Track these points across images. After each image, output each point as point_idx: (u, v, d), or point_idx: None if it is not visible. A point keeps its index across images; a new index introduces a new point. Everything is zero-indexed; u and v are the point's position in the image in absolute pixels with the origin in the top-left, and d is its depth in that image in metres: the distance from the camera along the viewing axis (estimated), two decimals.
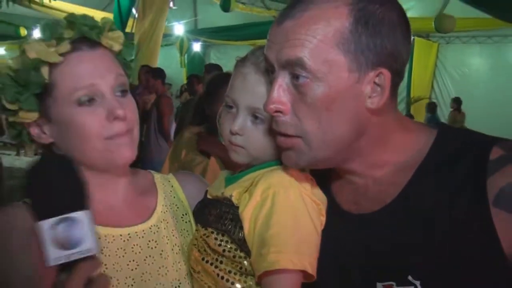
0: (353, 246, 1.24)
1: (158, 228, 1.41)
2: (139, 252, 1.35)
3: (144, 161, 6.39)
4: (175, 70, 15.67)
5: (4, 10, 11.48)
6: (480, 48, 13.81)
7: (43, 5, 10.74)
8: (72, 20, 1.31)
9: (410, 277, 1.12)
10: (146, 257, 1.35)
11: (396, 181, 1.20)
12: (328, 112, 1.12)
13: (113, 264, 1.31)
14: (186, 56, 16.30)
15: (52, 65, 1.27)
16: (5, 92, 1.28)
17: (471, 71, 13.97)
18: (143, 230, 1.38)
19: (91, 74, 1.28)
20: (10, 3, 9.73)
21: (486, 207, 1.08)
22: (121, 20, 9.88)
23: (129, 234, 1.36)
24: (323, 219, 1.28)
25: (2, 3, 9.87)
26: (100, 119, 1.28)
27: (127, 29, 9.98)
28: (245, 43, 13.25)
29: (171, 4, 11.20)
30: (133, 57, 1.41)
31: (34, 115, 1.30)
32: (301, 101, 1.13)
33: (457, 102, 12.66)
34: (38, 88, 1.27)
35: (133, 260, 1.33)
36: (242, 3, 13.24)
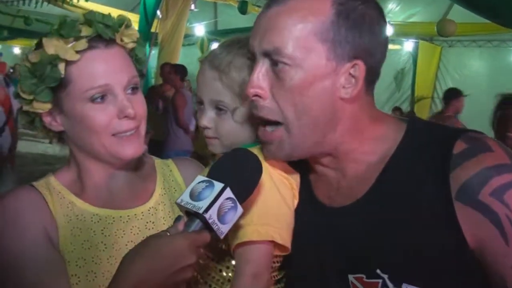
0: (327, 237, 1.21)
1: (156, 210, 1.40)
2: (137, 233, 1.34)
3: (164, 151, 6.41)
4: (196, 68, 15.55)
5: (41, 10, 11.57)
6: (480, 51, 13.57)
7: (74, 6, 10.76)
8: (89, 18, 1.29)
9: (378, 271, 1.10)
10: (144, 237, 1.32)
11: (366, 177, 1.17)
12: (304, 97, 1.11)
13: (113, 244, 1.31)
14: None
15: (68, 62, 1.25)
16: (22, 83, 1.27)
17: (471, 73, 13.72)
18: (142, 212, 1.38)
19: (106, 74, 1.26)
20: (45, 4, 9.77)
21: (450, 201, 1.04)
22: (147, 20, 9.86)
23: (128, 216, 1.36)
24: (296, 193, 1.27)
25: (38, 3, 9.94)
26: (110, 116, 1.26)
27: (152, 29, 9.98)
28: None
29: (192, 7, 11.18)
30: (146, 54, 1.39)
31: (47, 106, 1.30)
32: (279, 86, 1.12)
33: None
34: (54, 82, 1.25)
35: (131, 241, 1.32)
36: (258, 6, 13.16)
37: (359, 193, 1.17)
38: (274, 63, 1.11)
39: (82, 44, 1.25)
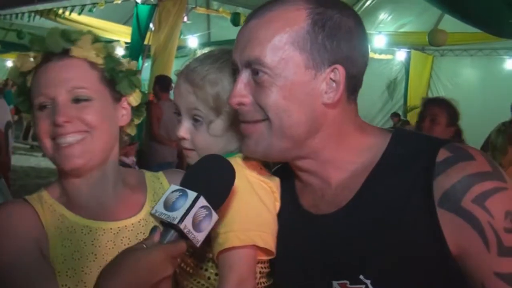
0: (312, 245, 1.22)
1: (147, 221, 1.41)
2: (128, 244, 1.34)
3: (149, 165, 6.39)
4: None
5: (34, 24, 11.60)
6: (471, 60, 13.69)
7: (66, 19, 10.79)
8: (49, 34, 1.35)
9: (361, 276, 1.11)
10: None
11: (350, 185, 1.19)
12: (286, 101, 1.13)
13: (103, 255, 1.32)
14: None
15: (33, 74, 1.34)
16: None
17: (463, 81, 13.82)
18: (132, 224, 1.39)
19: (47, 84, 1.31)
20: (37, 17, 9.81)
21: (433, 208, 1.05)
22: (140, 33, 9.90)
23: (118, 227, 1.37)
24: (277, 195, 1.28)
25: (31, 17, 9.97)
26: (47, 123, 1.31)
27: (145, 41, 10.01)
28: None
29: (185, 19, 11.22)
30: (120, 68, 1.40)
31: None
32: (261, 92, 1.14)
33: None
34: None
35: None
36: None
37: (344, 201, 1.19)
38: (255, 73, 1.14)
39: (38, 57, 1.34)
